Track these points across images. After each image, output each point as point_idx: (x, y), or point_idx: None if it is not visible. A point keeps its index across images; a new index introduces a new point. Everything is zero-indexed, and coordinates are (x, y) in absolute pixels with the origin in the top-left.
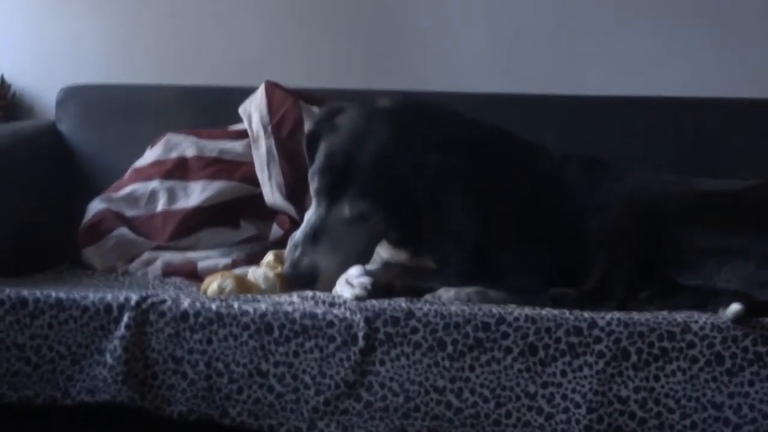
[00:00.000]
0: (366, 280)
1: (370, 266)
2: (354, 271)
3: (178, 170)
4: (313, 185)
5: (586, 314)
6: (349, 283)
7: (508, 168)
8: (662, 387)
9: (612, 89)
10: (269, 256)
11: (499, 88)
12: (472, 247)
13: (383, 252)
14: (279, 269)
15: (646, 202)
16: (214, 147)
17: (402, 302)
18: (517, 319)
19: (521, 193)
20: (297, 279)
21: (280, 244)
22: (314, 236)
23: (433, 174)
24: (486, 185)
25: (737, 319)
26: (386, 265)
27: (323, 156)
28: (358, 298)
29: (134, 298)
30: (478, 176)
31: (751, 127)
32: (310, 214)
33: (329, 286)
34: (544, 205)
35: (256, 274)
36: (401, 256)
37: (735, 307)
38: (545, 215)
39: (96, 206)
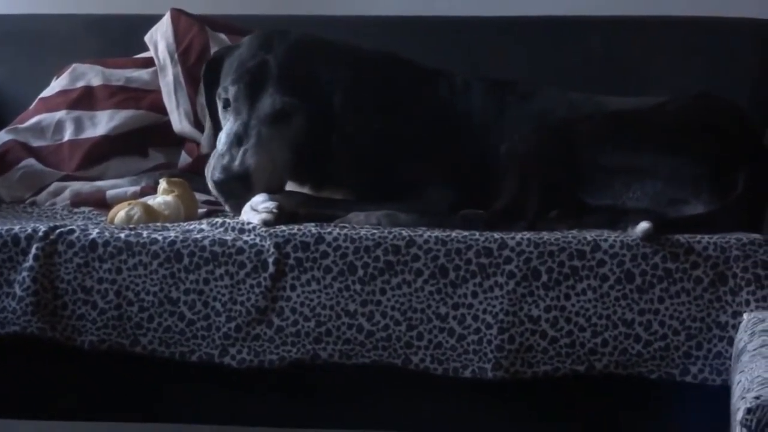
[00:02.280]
0: (271, 205)
1: (272, 195)
2: (258, 198)
3: (85, 100)
4: (225, 97)
5: (496, 235)
6: (254, 209)
7: (407, 93)
8: (573, 306)
9: (516, 9)
10: (162, 184)
11: (403, 10)
12: (375, 166)
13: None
14: (176, 192)
15: (554, 122)
16: (120, 76)
17: (311, 227)
18: (427, 242)
19: (420, 116)
20: (229, 184)
21: (189, 171)
22: (238, 141)
23: (345, 88)
24: (386, 109)
25: (646, 237)
26: (288, 194)
27: (233, 68)
28: (265, 223)
29: (42, 229)
30: (379, 99)
31: (659, 45)
32: (228, 127)
33: (262, 186)
34: (446, 127)
35: (156, 202)
36: (304, 190)
37: (644, 225)
38: (448, 138)
39: (2, 137)
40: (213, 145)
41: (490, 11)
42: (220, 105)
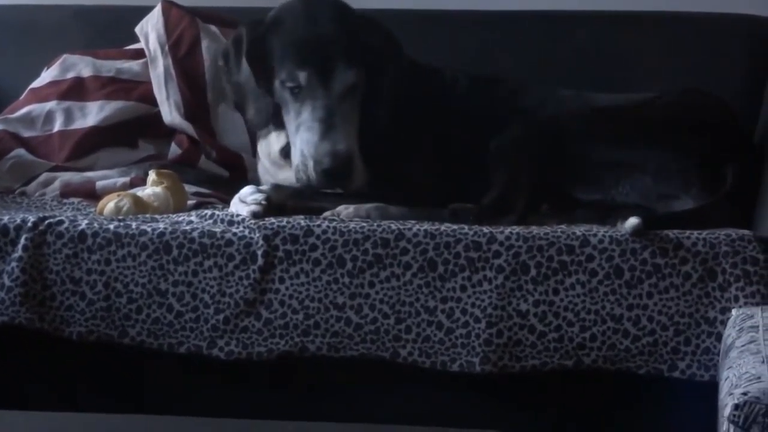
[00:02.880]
0: (259, 196)
1: (261, 187)
2: (246, 190)
3: (75, 90)
4: (294, 84)
5: (486, 229)
6: (243, 201)
7: (394, 89)
8: (561, 300)
9: (505, 4)
10: (152, 175)
11: (391, 4)
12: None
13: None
14: (165, 184)
15: (543, 117)
16: (111, 67)
17: (301, 220)
18: (416, 235)
19: (409, 109)
20: (338, 168)
21: (179, 162)
22: (329, 125)
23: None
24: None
25: (635, 233)
26: (276, 186)
27: (291, 49)
28: (254, 215)
29: (31, 219)
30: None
31: (647, 40)
32: (310, 114)
33: (360, 165)
34: (435, 121)
35: (146, 194)
36: None
37: (633, 221)
38: (437, 132)
39: None
40: (268, 121)
41: (477, 6)
42: (287, 93)
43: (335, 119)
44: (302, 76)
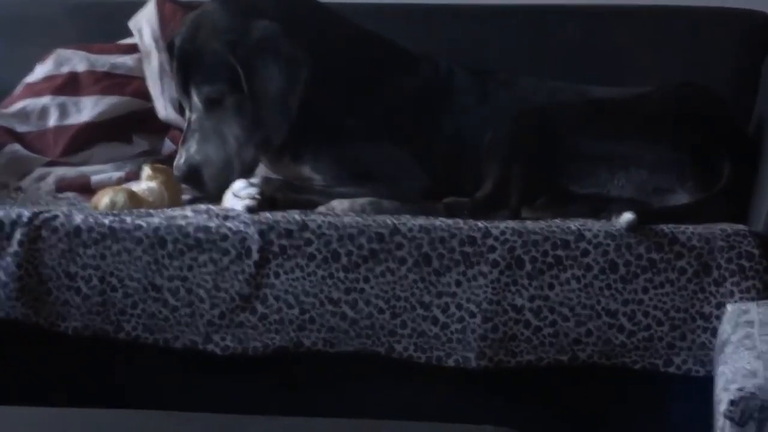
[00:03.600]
0: (253, 191)
1: (252, 180)
2: (239, 184)
3: (70, 85)
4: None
5: (480, 223)
6: (236, 196)
7: (387, 73)
8: (557, 295)
9: None
10: (146, 170)
11: None
12: (349, 153)
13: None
14: (160, 179)
15: (537, 109)
16: (105, 62)
17: (296, 214)
18: (411, 230)
19: (401, 98)
20: (185, 180)
21: (174, 158)
22: (187, 137)
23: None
24: (362, 89)
25: (630, 228)
26: (266, 179)
27: (171, 64)
28: (249, 210)
29: (26, 214)
30: (353, 80)
31: (640, 34)
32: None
33: (215, 180)
34: (428, 111)
35: (140, 188)
36: (284, 162)
37: (627, 216)
38: (429, 123)
39: None
40: None
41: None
42: None
43: (194, 132)
44: (175, 91)
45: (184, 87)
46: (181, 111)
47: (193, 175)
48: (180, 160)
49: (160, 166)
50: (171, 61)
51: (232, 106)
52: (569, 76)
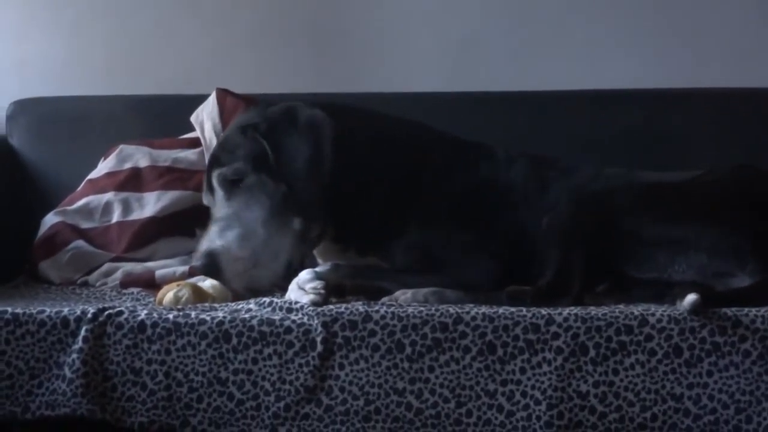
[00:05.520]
0: (318, 284)
1: (319, 268)
2: (305, 276)
3: (132, 181)
4: None
5: (543, 311)
6: (301, 288)
7: (449, 163)
8: (621, 381)
9: (559, 84)
10: None
11: (440, 87)
12: (415, 242)
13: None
14: None
15: (594, 196)
16: (167, 156)
17: (359, 305)
18: (474, 318)
19: (463, 186)
20: (203, 270)
21: None
22: (211, 225)
23: (348, 168)
24: (419, 185)
25: (694, 310)
26: (335, 266)
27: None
28: (315, 304)
29: (91, 311)
30: (409, 176)
31: (698, 117)
32: None
33: (235, 269)
34: (488, 199)
35: (206, 285)
36: (348, 256)
37: (691, 298)
38: (490, 210)
39: (51, 219)
40: None
41: (528, 86)
42: None
43: (216, 221)
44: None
45: (209, 182)
46: None
47: (211, 265)
48: (199, 251)
49: None
50: None
51: (254, 186)
52: (629, 159)
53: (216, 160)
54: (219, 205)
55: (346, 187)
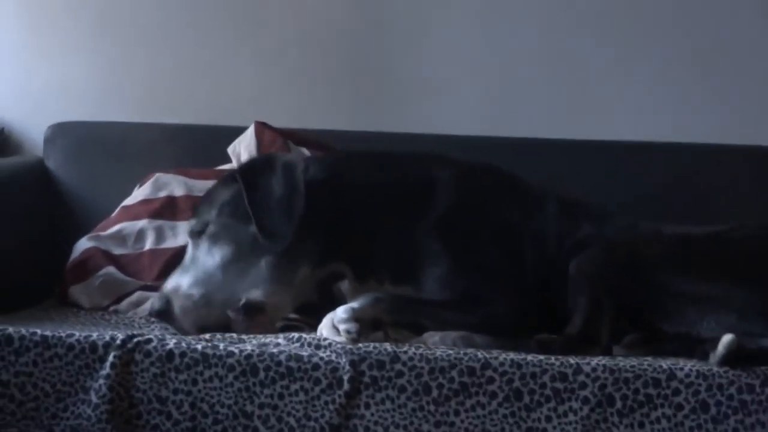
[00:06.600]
0: (352, 327)
1: (356, 303)
2: (341, 315)
3: (167, 209)
4: None
5: (572, 360)
6: (335, 326)
7: (485, 201)
8: None
9: (597, 134)
10: None
11: (479, 130)
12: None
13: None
14: None
15: (624, 245)
16: (202, 187)
17: (387, 346)
18: (502, 364)
19: (497, 225)
20: (158, 313)
21: None
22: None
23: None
24: (449, 218)
25: (729, 353)
26: (376, 300)
27: None
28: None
29: (120, 337)
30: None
31: (730, 173)
32: None
33: (188, 312)
34: (520, 238)
35: None
36: (384, 287)
37: (727, 338)
38: (522, 248)
39: (84, 244)
40: None
41: (567, 134)
42: None
43: (179, 267)
44: None
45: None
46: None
47: (163, 308)
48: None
49: None
50: None
51: (218, 232)
52: (665, 213)
53: (195, 212)
54: (187, 254)
55: (357, 228)
